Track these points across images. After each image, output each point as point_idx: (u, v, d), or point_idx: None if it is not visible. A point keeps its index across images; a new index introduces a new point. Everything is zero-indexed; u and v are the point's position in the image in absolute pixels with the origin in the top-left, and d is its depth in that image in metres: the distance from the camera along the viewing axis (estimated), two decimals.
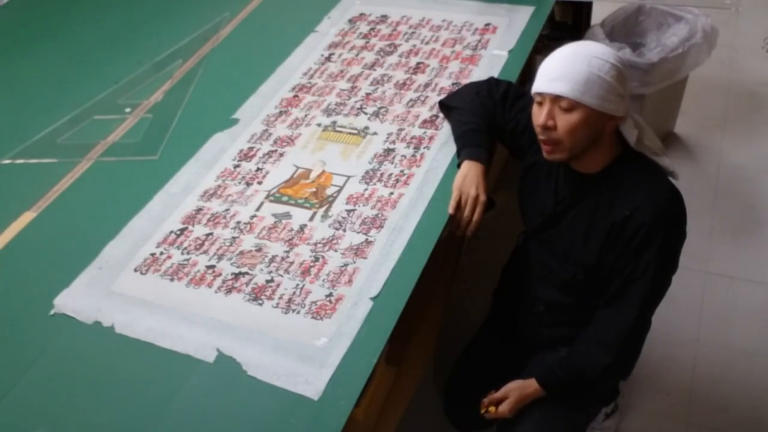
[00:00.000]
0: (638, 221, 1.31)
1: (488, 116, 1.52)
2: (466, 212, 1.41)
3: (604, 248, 1.37)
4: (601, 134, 1.30)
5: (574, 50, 1.27)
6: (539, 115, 1.29)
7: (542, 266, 1.52)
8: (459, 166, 1.48)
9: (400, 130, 1.66)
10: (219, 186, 1.57)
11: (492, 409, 1.47)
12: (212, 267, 1.37)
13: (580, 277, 1.44)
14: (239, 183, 1.57)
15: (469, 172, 1.44)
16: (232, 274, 1.35)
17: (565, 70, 1.24)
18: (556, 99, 1.26)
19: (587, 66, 1.23)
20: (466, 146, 1.49)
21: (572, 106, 1.25)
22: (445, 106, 1.64)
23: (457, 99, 1.61)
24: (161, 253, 1.42)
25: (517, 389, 1.47)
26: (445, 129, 1.63)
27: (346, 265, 1.34)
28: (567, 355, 1.46)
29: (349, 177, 1.54)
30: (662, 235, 1.31)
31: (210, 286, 1.34)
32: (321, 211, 1.47)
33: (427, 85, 1.79)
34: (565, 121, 1.26)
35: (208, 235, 1.45)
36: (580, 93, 1.23)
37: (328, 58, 1.95)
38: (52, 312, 1.33)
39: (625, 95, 1.28)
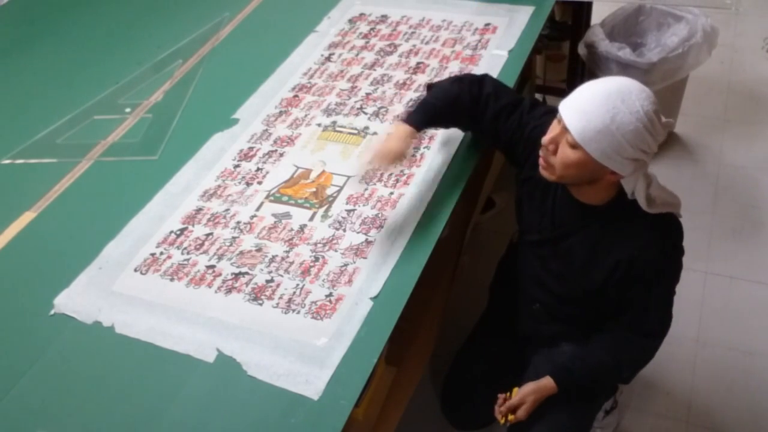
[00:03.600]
0: (647, 259, 1.30)
1: (454, 101, 1.44)
2: (375, 161, 1.35)
3: (609, 280, 1.36)
4: (599, 179, 1.25)
5: (614, 90, 1.16)
6: (548, 133, 1.24)
7: (538, 275, 1.50)
8: None
9: None
10: (219, 186, 1.57)
11: (511, 417, 1.44)
12: (212, 267, 1.37)
13: (578, 295, 1.44)
14: (239, 183, 1.57)
15: (392, 132, 1.39)
16: (232, 274, 1.35)
17: (589, 109, 1.16)
18: (567, 129, 1.20)
19: (610, 118, 1.14)
20: (408, 114, 1.43)
21: (576, 145, 1.18)
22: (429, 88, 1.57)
23: (439, 82, 1.55)
24: (161, 253, 1.42)
25: (533, 392, 1.44)
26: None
27: (346, 265, 1.34)
28: (584, 354, 1.45)
29: (349, 177, 1.54)
30: (671, 269, 1.34)
31: (210, 286, 1.34)
32: (321, 211, 1.47)
33: None
34: (564, 154, 1.22)
35: (208, 235, 1.45)
36: (588, 140, 1.16)
37: (328, 58, 1.95)
38: (52, 312, 1.33)
39: (638, 158, 1.18)
